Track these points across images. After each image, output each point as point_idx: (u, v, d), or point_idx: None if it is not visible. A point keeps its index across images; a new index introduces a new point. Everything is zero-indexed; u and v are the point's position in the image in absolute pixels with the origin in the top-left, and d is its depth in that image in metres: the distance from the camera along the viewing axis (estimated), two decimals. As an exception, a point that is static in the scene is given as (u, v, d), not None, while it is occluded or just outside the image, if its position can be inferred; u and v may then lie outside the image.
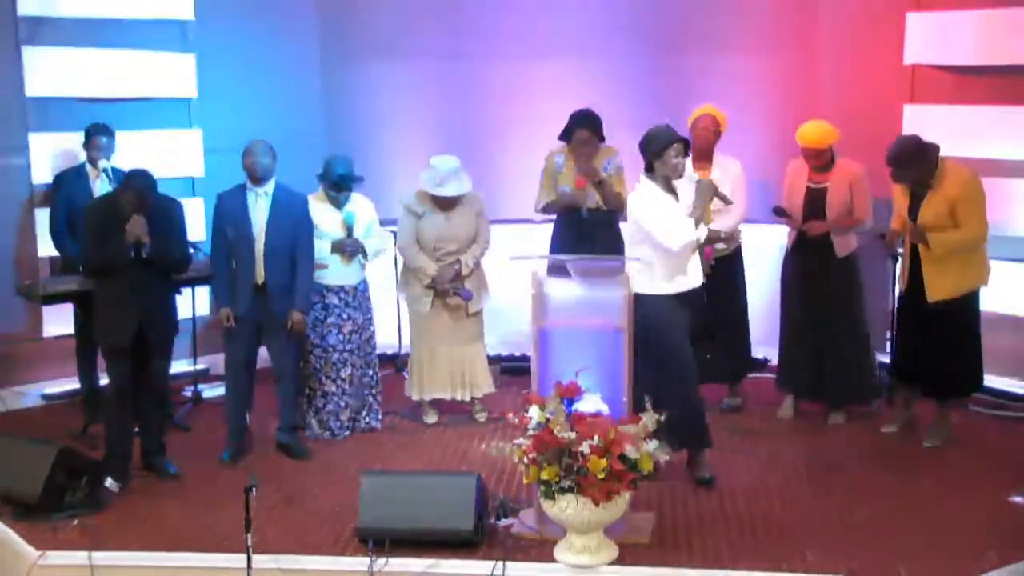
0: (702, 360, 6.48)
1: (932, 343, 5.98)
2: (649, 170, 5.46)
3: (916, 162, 5.81)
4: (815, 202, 6.31)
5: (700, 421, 5.60)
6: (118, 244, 5.53)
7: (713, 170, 6.36)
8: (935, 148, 5.84)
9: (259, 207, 6.05)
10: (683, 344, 5.49)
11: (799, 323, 6.50)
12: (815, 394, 6.59)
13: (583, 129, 6.46)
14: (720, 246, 6.35)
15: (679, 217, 5.36)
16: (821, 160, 6.24)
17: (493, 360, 7.05)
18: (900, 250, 6.16)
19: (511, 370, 7.25)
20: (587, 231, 6.52)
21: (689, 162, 5.63)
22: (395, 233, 7.13)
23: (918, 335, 6.04)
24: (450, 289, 6.44)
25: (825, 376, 6.46)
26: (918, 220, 5.87)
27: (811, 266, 6.40)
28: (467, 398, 6.65)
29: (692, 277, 5.53)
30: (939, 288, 5.89)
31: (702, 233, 5.43)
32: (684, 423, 5.37)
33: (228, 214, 6.05)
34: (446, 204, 6.44)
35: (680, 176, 5.43)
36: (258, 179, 6.03)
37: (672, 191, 5.46)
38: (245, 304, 6.03)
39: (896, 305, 6.23)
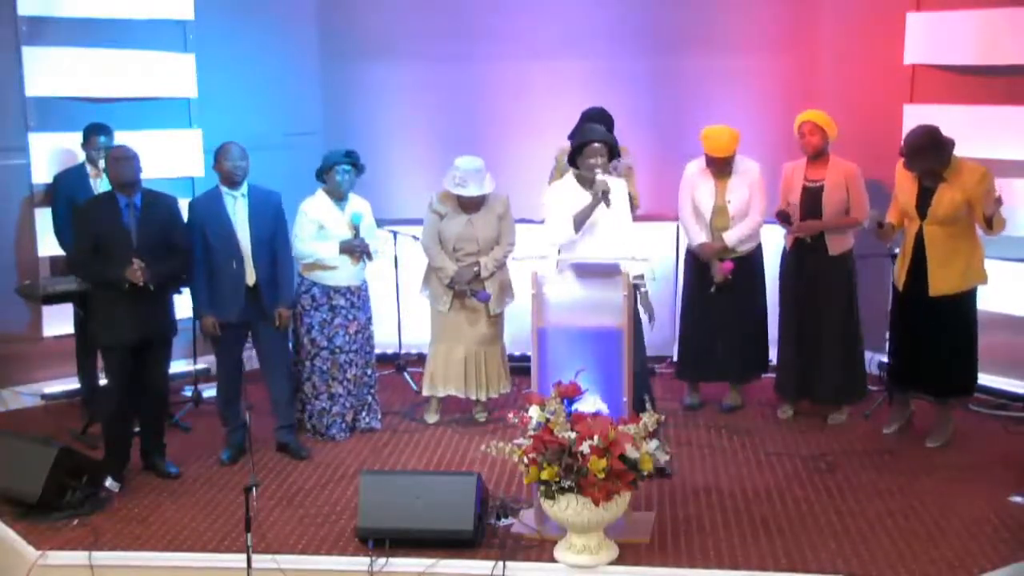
0: (713, 359, 6.55)
1: (933, 342, 5.98)
2: (572, 164, 5.67)
3: (935, 152, 5.81)
4: (812, 200, 6.33)
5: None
6: (117, 275, 5.52)
7: (732, 175, 6.40)
8: (952, 142, 5.88)
9: (239, 209, 5.99)
10: None
11: (793, 323, 6.52)
12: (804, 394, 6.61)
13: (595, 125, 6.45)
14: (745, 247, 6.46)
15: (567, 215, 5.54)
16: (814, 137, 6.24)
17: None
18: (888, 245, 6.22)
19: (513, 370, 7.24)
20: None
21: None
22: (395, 233, 7.18)
23: (917, 334, 6.04)
24: (467, 290, 6.44)
25: (815, 376, 6.47)
26: (931, 211, 5.87)
27: (806, 265, 6.42)
28: (483, 397, 6.64)
29: None
30: (943, 282, 5.91)
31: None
32: None
33: (207, 220, 5.95)
34: (469, 205, 6.42)
35: (593, 176, 5.55)
36: (236, 182, 5.97)
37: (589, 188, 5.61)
38: (237, 308, 5.98)
39: (892, 305, 6.22)
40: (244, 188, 6.01)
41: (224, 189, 5.99)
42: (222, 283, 5.96)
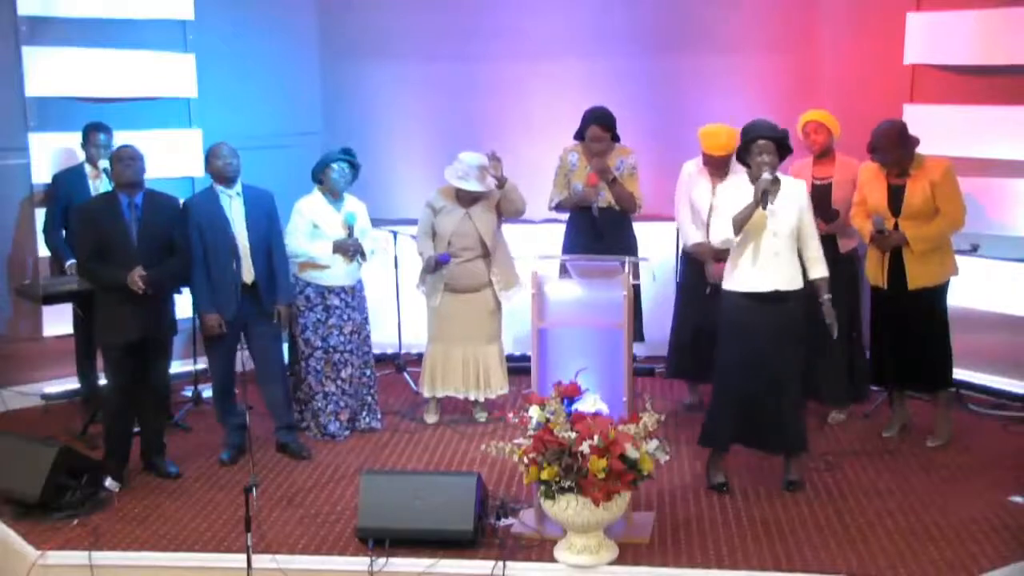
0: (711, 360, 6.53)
1: (917, 336, 6.02)
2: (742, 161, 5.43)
3: (902, 144, 5.90)
4: (821, 198, 6.33)
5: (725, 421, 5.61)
6: (118, 279, 5.55)
7: (729, 174, 6.39)
8: (917, 140, 5.96)
9: (234, 207, 6.00)
10: (741, 347, 5.36)
11: None
12: (806, 393, 6.59)
13: (596, 126, 6.45)
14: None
15: (728, 217, 5.25)
16: (820, 136, 6.26)
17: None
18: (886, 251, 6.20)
19: (513, 370, 7.24)
20: (599, 230, 6.51)
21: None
22: (394, 233, 7.18)
23: (899, 330, 6.06)
24: (431, 266, 6.41)
25: (822, 376, 6.46)
26: (905, 206, 5.91)
27: None
28: (481, 398, 6.64)
29: (761, 280, 5.30)
30: (921, 276, 5.95)
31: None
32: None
33: (204, 219, 5.95)
34: (467, 200, 6.45)
35: (760, 174, 5.21)
36: (230, 180, 5.98)
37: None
38: (234, 306, 5.98)
39: (872, 303, 6.22)
40: (238, 187, 6.02)
41: (219, 188, 6.00)
42: (220, 281, 5.96)
